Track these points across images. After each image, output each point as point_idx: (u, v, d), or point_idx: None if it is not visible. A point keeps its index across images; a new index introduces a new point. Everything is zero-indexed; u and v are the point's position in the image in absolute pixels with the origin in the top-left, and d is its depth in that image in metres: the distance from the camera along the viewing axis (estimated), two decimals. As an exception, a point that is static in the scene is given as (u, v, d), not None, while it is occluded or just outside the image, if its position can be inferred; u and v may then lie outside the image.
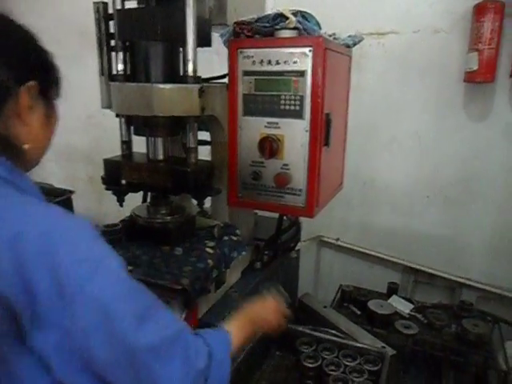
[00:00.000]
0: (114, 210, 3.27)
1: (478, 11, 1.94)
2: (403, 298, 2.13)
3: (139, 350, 0.72)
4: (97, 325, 0.69)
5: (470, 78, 2.01)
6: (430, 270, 2.35)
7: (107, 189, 1.42)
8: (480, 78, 1.97)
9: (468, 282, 2.27)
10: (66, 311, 0.67)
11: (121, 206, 1.47)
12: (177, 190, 1.33)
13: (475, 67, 1.96)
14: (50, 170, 3.47)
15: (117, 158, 1.42)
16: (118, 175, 1.38)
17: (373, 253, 2.48)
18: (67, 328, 0.68)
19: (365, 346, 1.33)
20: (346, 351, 1.32)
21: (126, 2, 1.32)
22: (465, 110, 2.14)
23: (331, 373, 1.25)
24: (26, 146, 0.81)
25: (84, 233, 0.73)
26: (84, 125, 3.21)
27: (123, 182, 1.38)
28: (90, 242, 0.73)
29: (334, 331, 1.40)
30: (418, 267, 2.38)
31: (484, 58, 1.94)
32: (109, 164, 1.39)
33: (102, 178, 1.41)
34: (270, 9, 2.19)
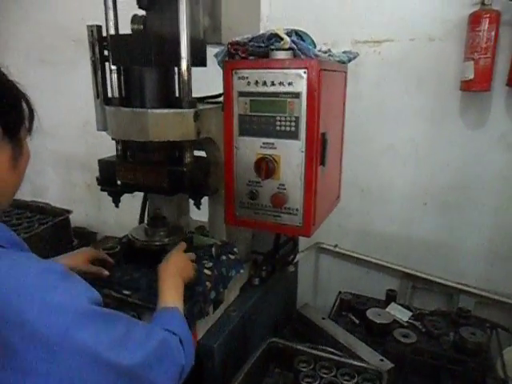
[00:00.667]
0: (113, 217, 3.26)
1: (474, 20, 1.93)
2: (401, 305, 2.14)
3: (133, 368, 0.78)
4: (88, 363, 0.72)
5: (466, 87, 2.00)
6: (428, 276, 2.36)
7: (102, 190, 1.41)
8: (476, 87, 1.97)
9: (466, 288, 2.29)
10: (55, 359, 0.70)
11: (116, 206, 1.47)
12: (173, 190, 1.32)
13: (471, 76, 1.96)
14: (48, 178, 3.47)
15: (111, 159, 1.41)
16: (113, 176, 1.37)
17: (371, 259, 2.50)
18: (58, 373, 0.70)
19: (363, 365, 1.34)
20: (344, 370, 1.34)
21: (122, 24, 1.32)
22: (461, 118, 2.15)
23: (329, 393, 1.27)
24: None
25: (53, 280, 0.73)
26: (80, 132, 3.20)
27: (118, 182, 1.37)
28: (60, 288, 0.73)
29: (332, 349, 1.41)
30: (415, 273, 2.39)
31: (480, 67, 1.93)
32: (104, 164, 1.38)
33: (97, 179, 1.41)
34: (266, 18, 2.19)
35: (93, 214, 3.38)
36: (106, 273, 1.30)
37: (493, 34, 1.90)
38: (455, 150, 2.19)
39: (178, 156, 1.35)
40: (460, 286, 2.30)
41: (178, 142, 1.30)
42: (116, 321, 0.80)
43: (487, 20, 1.89)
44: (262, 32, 1.40)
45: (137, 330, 0.84)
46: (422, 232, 2.37)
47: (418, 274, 2.39)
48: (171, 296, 1.07)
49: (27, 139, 0.86)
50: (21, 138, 0.83)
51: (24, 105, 0.83)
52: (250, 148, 1.41)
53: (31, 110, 0.85)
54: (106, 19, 1.27)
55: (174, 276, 1.15)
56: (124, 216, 2.08)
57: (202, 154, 1.58)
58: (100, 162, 1.39)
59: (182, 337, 0.94)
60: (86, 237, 3.16)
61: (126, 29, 1.38)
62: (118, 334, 0.78)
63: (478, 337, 1.83)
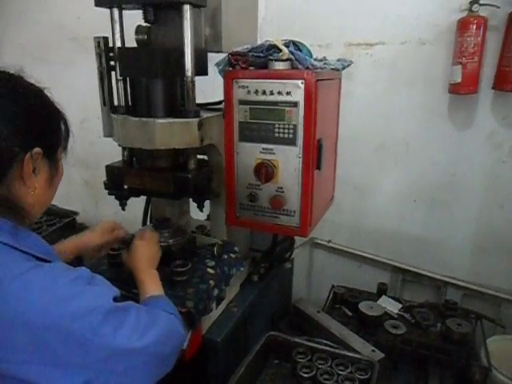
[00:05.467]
0: (111, 214, 3.32)
1: (462, 26, 2.01)
2: (392, 297, 2.25)
3: (148, 348, 0.88)
4: (114, 354, 0.83)
5: (454, 89, 2.09)
6: (417, 270, 2.47)
7: (110, 194, 1.48)
8: (463, 90, 2.06)
9: (453, 281, 2.40)
10: (88, 352, 0.80)
11: (123, 209, 1.54)
12: (178, 194, 1.40)
13: (459, 80, 2.04)
14: (46, 174, 3.49)
15: (118, 164, 1.48)
16: (119, 181, 1.45)
17: (363, 253, 2.60)
18: (91, 364, 0.80)
19: (356, 356, 1.44)
20: (339, 360, 1.43)
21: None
22: (450, 119, 2.23)
23: (325, 382, 1.36)
24: (29, 207, 0.86)
25: (82, 286, 0.83)
26: (78, 129, 3.21)
27: (125, 187, 1.45)
28: (88, 293, 0.83)
29: (327, 342, 1.51)
30: (405, 267, 2.50)
31: (467, 71, 2.01)
32: (111, 170, 1.45)
33: (105, 183, 1.48)
34: (261, 21, 2.24)
35: (90, 210, 3.43)
36: (122, 232, 1.41)
37: (479, 39, 1.98)
38: (444, 149, 2.28)
39: (183, 162, 1.42)
40: (447, 279, 2.41)
41: (182, 149, 1.37)
42: (129, 310, 0.89)
43: (475, 26, 1.97)
44: (260, 42, 1.47)
45: (144, 315, 0.93)
46: (411, 228, 2.47)
47: (408, 267, 2.49)
48: (154, 285, 1.16)
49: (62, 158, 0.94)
50: (58, 158, 0.91)
51: (62, 125, 0.92)
52: (249, 153, 1.49)
53: (67, 130, 0.93)
54: (113, 32, 1.32)
55: (148, 267, 1.22)
56: (121, 212, 2.13)
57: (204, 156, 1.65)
58: (107, 167, 1.45)
59: (176, 315, 1.06)
60: (84, 233, 3.21)
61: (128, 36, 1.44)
62: (132, 322, 0.87)
63: (463, 328, 1.94)
